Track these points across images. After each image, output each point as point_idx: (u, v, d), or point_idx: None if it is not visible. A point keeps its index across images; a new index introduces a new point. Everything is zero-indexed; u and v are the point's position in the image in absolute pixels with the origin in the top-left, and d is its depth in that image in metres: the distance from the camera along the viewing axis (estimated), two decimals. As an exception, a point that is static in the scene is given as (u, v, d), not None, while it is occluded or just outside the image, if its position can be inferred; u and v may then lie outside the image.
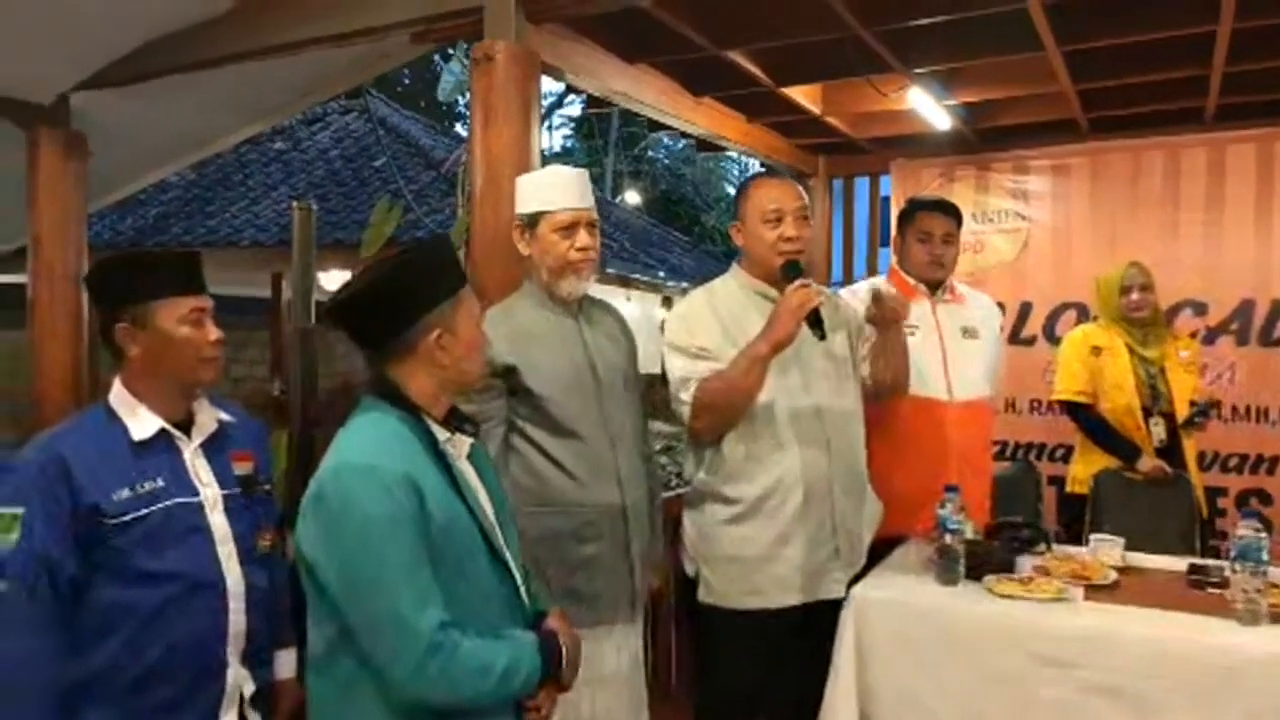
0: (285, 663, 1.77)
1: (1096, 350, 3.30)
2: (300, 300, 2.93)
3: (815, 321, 2.07)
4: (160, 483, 1.57)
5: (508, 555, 1.47)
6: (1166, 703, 1.80)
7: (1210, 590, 2.07)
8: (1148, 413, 3.21)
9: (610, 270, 8.86)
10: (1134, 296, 3.24)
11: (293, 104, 4.11)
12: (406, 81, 16.48)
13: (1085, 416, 3.33)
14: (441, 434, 1.45)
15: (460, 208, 3.04)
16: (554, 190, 2.12)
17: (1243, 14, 2.88)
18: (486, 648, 1.34)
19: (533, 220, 2.11)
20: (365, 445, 1.37)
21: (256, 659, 1.65)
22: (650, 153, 19.44)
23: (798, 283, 2.09)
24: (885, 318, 2.25)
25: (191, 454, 1.64)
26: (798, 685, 2.21)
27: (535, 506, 2.04)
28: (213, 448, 1.67)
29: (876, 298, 2.23)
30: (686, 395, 2.16)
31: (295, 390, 2.56)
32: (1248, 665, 1.76)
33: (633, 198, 17.60)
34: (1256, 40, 3.18)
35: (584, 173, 2.19)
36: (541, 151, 2.78)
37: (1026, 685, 1.92)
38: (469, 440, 1.51)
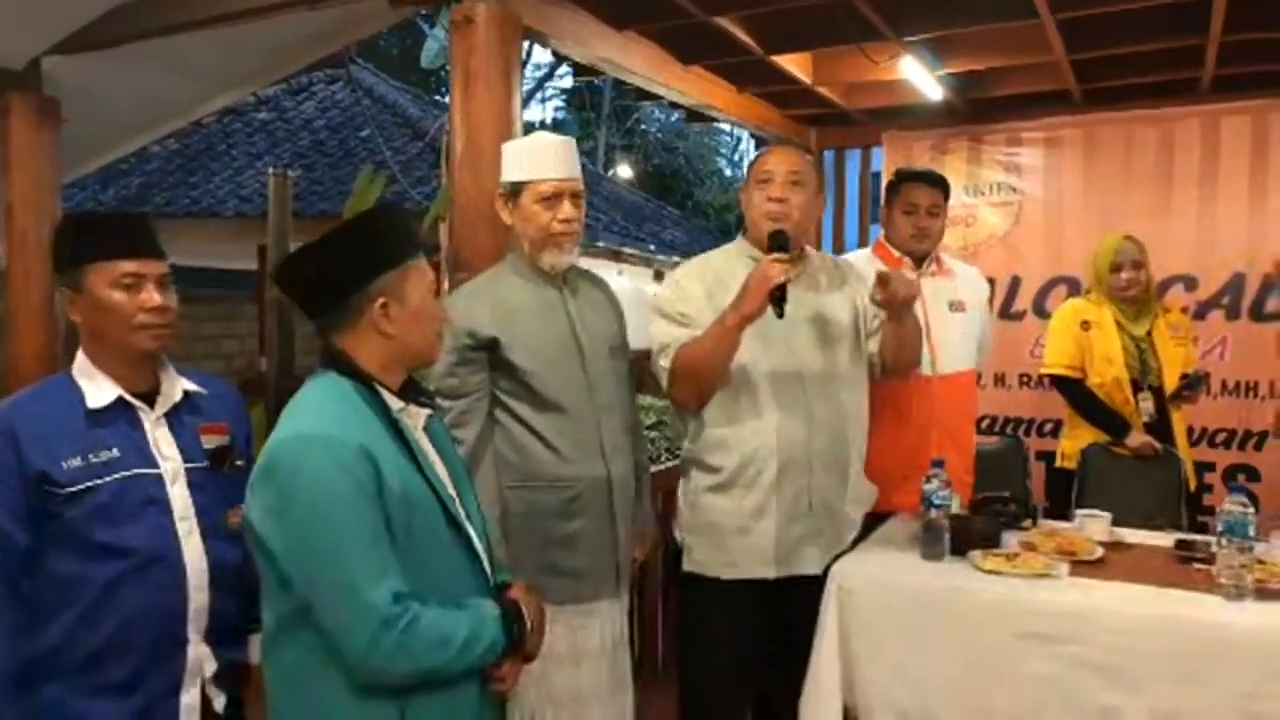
0: (258, 647, 1.72)
1: (1086, 325, 3.25)
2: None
3: (778, 300, 2.00)
4: (116, 453, 1.51)
5: (468, 526, 1.44)
6: (1152, 678, 1.79)
7: (1197, 566, 2.05)
8: (1137, 387, 3.17)
9: (601, 244, 8.80)
10: (1124, 275, 3.18)
11: (270, 70, 4.02)
12: (395, 52, 16.26)
13: (1073, 391, 3.30)
14: (395, 404, 1.42)
15: (445, 177, 2.99)
16: (538, 159, 2.07)
17: (1241, -19, 2.83)
18: (446, 618, 1.32)
19: (516, 189, 2.07)
20: (317, 415, 1.34)
21: (223, 637, 1.60)
22: (643, 126, 19.28)
23: (772, 256, 2.03)
24: (894, 302, 2.09)
25: (153, 425, 1.57)
26: (778, 659, 2.20)
27: (519, 481, 2.03)
28: (178, 419, 1.60)
29: (882, 281, 2.09)
30: (665, 361, 2.14)
31: (271, 366, 2.52)
32: (1233, 641, 1.75)
33: (625, 171, 17.49)
34: (1254, 8, 3.12)
35: (570, 141, 2.13)
36: (534, 123, 2.72)
37: (1012, 660, 1.90)
38: (425, 412, 1.48)
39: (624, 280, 8.88)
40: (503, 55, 2.56)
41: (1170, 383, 3.19)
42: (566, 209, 2.04)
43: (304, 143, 8.63)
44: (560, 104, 20.56)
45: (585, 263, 2.18)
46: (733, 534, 2.15)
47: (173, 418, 1.60)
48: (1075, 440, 3.33)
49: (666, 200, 16.09)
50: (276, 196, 2.92)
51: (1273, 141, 3.97)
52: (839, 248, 5.27)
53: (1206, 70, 3.78)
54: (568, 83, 19.09)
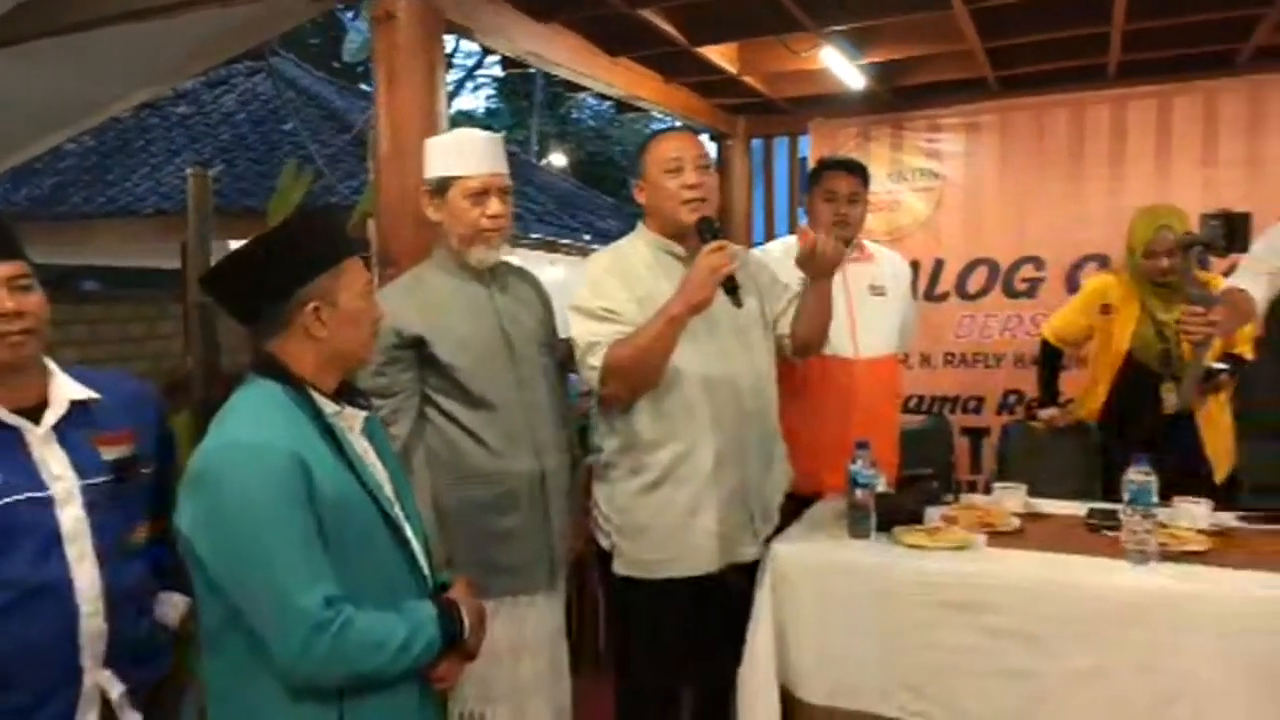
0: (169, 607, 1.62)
1: (1107, 309, 3.09)
2: (199, 274, 2.81)
3: (731, 288, 2.01)
4: None
5: (406, 528, 1.45)
6: (1066, 641, 1.87)
7: (1106, 533, 2.15)
8: (1159, 377, 2.91)
9: (535, 235, 8.76)
10: (1164, 264, 2.86)
11: (187, 67, 3.91)
12: (315, 41, 15.88)
13: (1045, 356, 3.35)
14: (330, 407, 1.42)
15: (372, 173, 2.96)
16: (464, 154, 2.06)
17: (1139, -28, 2.95)
18: (381, 621, 1.33)
19: (442, 185, 2.05)
20: (247, 421, 1.34)
21: (130, 657, 1.50)
22: (576, 114, 19.17)
23: (713, 244, 2.02)
24: (823, 259, 2.12)
25: (40, 442, 1.45)
26: (717, 649, 2.23)
27: (452, 478, 2.02)
28: (70, 432, 1.47)
29: (808, 241, 2.11)
30: (594, 360, 2.08)
31: (197, 368, 2.48)
32: (1139, 602, 1.84)
33: (559, 160, 17.36)
34: (1153, -2, 3.26)
35: (496, 136, 2.13)
36: (463, 113, 2.71)
37: (936, 631, 1.98)
38: (362, 414, 1.48)
39: (557, 271, 8.87)
40: (426, 50, 2.54)
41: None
42: (495, 205, 2.04)
43: (225, 137, 8.41)
44: (492, 93, 20.36)
45: (518, 254, 2.17)
46: (670, 532, 2.14)
47: (64, 431, 1.47)
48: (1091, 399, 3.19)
49: (601, 188, 16.04)
50: (196, 195, 2.86)
51: (1176, 123, 4.14)
52: (770, 234, 5.36)
53: (1113, 56, 3.93)
54: (499, 70, 18.90)
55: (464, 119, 19.04)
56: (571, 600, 2.29)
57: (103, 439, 1.51)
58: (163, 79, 4.08)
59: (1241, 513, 2.32)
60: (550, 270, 8.66)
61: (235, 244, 1.43)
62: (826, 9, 3.34)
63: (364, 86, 11.07)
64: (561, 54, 3.54)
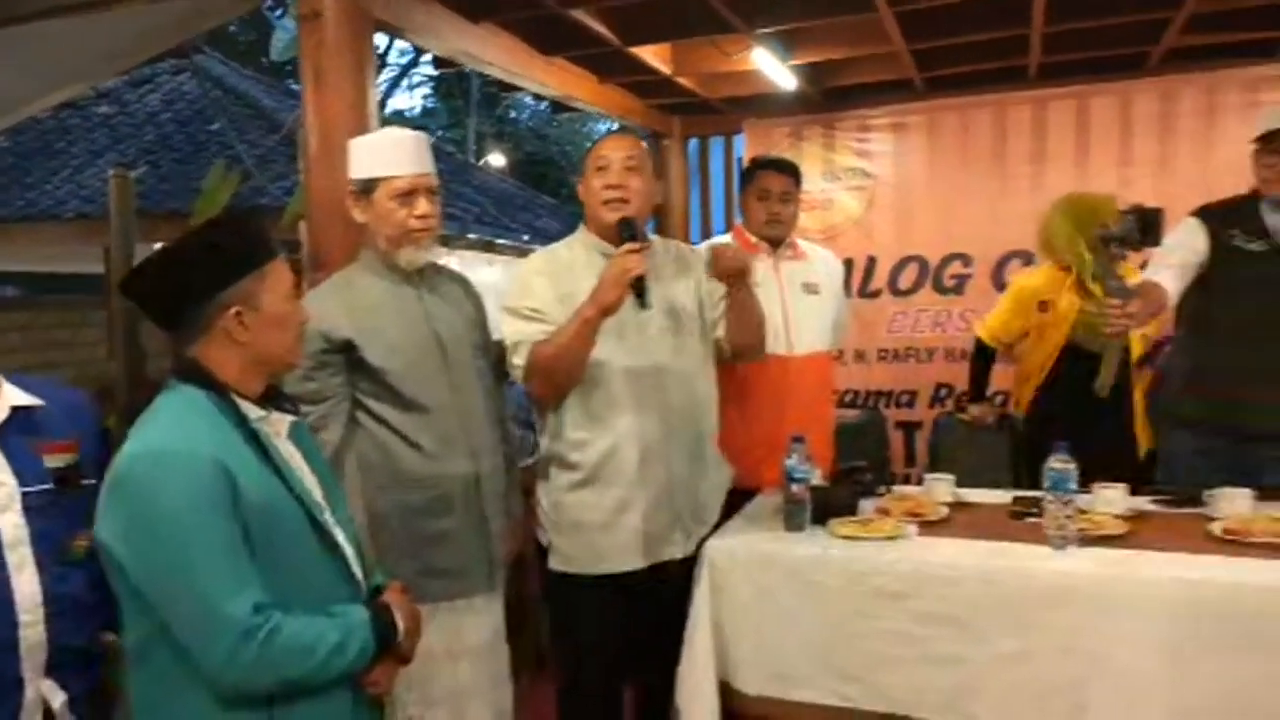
0: None
1: (1044, 306, 3.18)
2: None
3: (640, 290, 2.02)
4: None
5: (336, 532, 1.44)
6: (992, 625, 1.93)
7: (1029, 520, 2.22)
8: (1098, 360, 2.88)
9: (472, 235, 8.67)
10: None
11: (106, 67, 3.80)
12: (244, 39, 15.52)
13: (979, 356, 3.45)
14: (254, 412, 1.40)
15: (301, 173, 2.91)
16: (390, 155, 2.04)
17: (1054, -23, 3.05)
18: (310, 626, 1.32)
19: (368, 187, 2.04)
20: (167, 428, 1.31)
21: (73, 666, 1.50)
22: (514, 113, 19.05)
23: (626, 246, 2.05)
24: (726, 271, 2.17)
25: None
26: (655, 646, 2.25)
27: (386, 482, 2.00)
28: (11, 438, 1.49)
29: (715, 255, 2.18)
30: (519, 359, 2.13)
31: (122, 374, 2.41)
32: (1059, 585, 1.91)
33: (497, 160, 17.23)
34: (1069, 1, 3.37)
35: (422, 136, 2.11)
36: (399, 112, 2.68)
37: (868, 620, 2.02)
38: (289, 418, 1.46)
39: (496, 272, 8.79)
40: (354, 49, 2.51)
41: (1135, 352, 3.15)
42: (423, 205, 2.02)
43: (149, 138, 8.16)
44: (429, 92, 20.12)
45: (456, 255, 2.17)
46: (598, 530, 2.17)
47: (5, 437, 1.48)
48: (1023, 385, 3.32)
49: (540, 188, 15.99)
50: (118, 197, 2.78)
51: (1094, 122, 4.30)
52: (706, 233, 5.40)
53: (1033, 58, 4.05)
54: (434, 69, 18.66)
55: (400, 118, 18.81)
56: (512, 602, 2.28)
57: (48, 447, 1.51)
58: (83, 77, 3.95)
59: (1156, 497, 2.42)
60: (488, 271, 8.56)
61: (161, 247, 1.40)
62: (756, 10, 3.39)
63: (294, 85, 10.86)
64: (495, 54, 3.52)
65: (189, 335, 1.38)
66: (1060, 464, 2.03)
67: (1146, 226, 2.42)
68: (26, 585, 1.44)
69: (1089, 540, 2.06)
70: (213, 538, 1.26)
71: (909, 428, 4.52)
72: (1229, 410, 2.55)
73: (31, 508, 1.47)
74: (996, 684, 1.93)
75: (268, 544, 1.31)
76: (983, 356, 3.47)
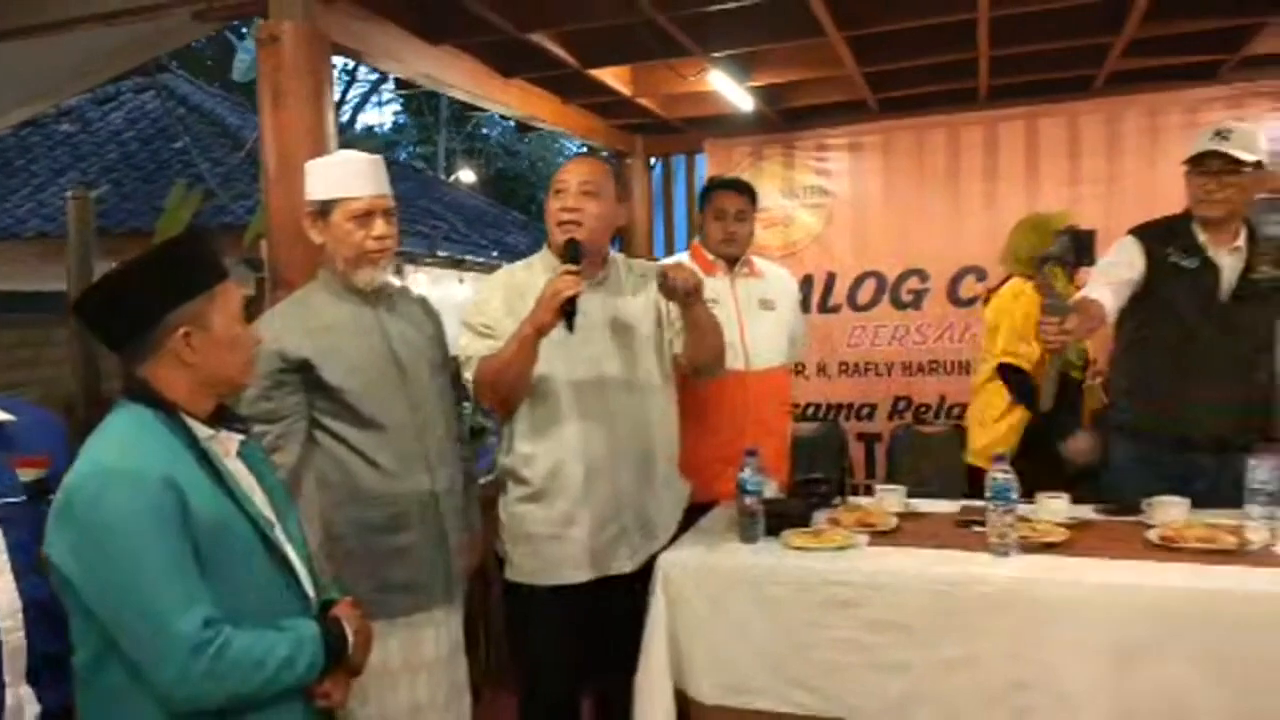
0: None
1: (1027, 315, 3.08)
2: (82, 297, 2.74)
3: (569, 313, 2.05)
4: None
5: (287, 548, 1.46)
6: (937, 631, 1.98)
7: (975, 529, 2.28)
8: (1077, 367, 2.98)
9: (442, 253, 8.69)
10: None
11: (70, 85, 3.79)
12: (210, 56, 15.44)
13: (1019, 380, 3.15)
14: (204, 431, 1.42)
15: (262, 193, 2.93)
16: (347, 176, 2.07)
17: (996, 4, 3.15)
18: (260, 640, 1.34)
19: (325, 208, 2.06)
20: (116, 447, 1.33)
21: (46, 677, 1.51)
22: (484, 130, 19.07)
23: (563, 269, 2.09)
24: (672, 291, 2.17)
25: None
26: (606, 657, 2.28)
27: (343, 499, 2.02)
28: None
29: (660, 274, 2.20)
30: (469, 374, 2.21)
31: (79, 392, 2.41)
32: (1002, 591, 1.97)
33: (467, 176, 17.24)
34: (1013, 26, 3.48)
35: (378, 158, 2.14)
36: (369, 129, 2.71)
37: (820, 629, 2.06)
38: (238, 437, 1.48)
39: (466, 289, 8.81)
40: (312, 72, 2.54)
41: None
42: (380, 226, 2.05)
43: (112, 156, 8.11)
44: (399, 109, 20.11)
45: (425, 272, 2.21)
46: (546, 542, 2.22)
47: None
48: (986, 434, 3.22)
49: (509, 204, 16.02)
50: (77, 217, 2.79)
51: (1043, 142, 4.43)
52: (669, 250, 5.48)
53: (982, 80, 4.17)
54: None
55: (370, 135, 18.74)
56: (472, 617, 2.31)
57: (20, 461, 1.53)
58: (44, 97, 3.94)
59: (1097, 505, 2.50)
60: (459, 289, 8.59)
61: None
62: (711, 35, 3.46)
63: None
64: (455, 76, 3.57)
65: (138, 355, 1.40)
66: (1001, 474, 2.10)
67: (1080, 247, 2.51)
68: (5, 592, 1.46)
69: (1031, 548, 2.12)
70: (162, 555, 1.28)
71: (869, 439, 4.61)
72: (1170, 420, 2.64)
73: (4, 519, 1.49)
74: (942, 689, 1.98)
75: (218, 561, 1.33)
76: (1021, 380, 3.13)
